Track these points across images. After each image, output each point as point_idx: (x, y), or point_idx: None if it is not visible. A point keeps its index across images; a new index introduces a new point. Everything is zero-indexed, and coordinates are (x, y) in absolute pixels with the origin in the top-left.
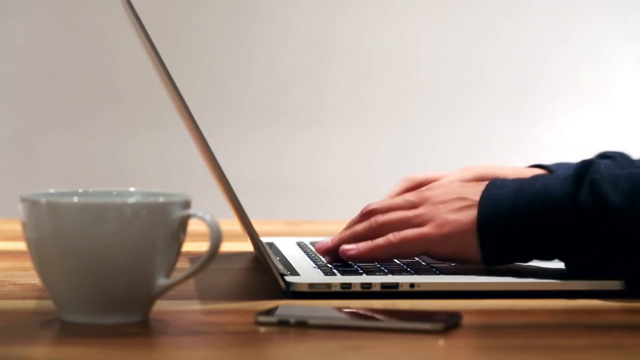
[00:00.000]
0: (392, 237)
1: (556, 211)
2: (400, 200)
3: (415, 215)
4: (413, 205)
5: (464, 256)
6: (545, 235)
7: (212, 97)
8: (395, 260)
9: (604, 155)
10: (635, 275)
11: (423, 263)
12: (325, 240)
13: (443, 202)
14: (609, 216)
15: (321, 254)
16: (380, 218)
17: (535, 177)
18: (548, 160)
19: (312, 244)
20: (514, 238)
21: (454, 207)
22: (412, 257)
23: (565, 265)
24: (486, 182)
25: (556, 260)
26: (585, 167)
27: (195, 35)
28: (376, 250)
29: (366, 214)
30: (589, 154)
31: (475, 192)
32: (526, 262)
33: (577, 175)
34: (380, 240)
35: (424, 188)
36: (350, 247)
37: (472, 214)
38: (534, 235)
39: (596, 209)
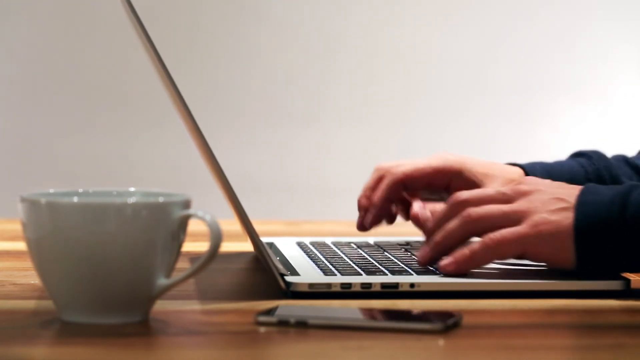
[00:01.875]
0: (488, 240)
1: None
2: (492, 192)
3: (513, 211)
4: (508, 199)
5: (558, 259)
6: (636, 244)
7: (213, 97)
8: (395, 260)
9: (578, 154)
10: None
11: None
12: (423, 248)
13: (542, 201)
14: None
15: (423, 264)
16: (474, 212)
17: (631, 186)
18: (548, 159)
19: (312, 244)
20: (608, 244)
21: (552, 208)
22: (509, 258)
23: None
24: (580, 187)
25: None
26: None
27: (195, 35)
28: (474, 259)
29: (456, 205)
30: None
31: (572, 195)
32: (617, 271)
33: None
34: (476, 247)
35: (516, 182)
36: (448, 262)
37: (569, 216)
38: (626, 243)
39: None
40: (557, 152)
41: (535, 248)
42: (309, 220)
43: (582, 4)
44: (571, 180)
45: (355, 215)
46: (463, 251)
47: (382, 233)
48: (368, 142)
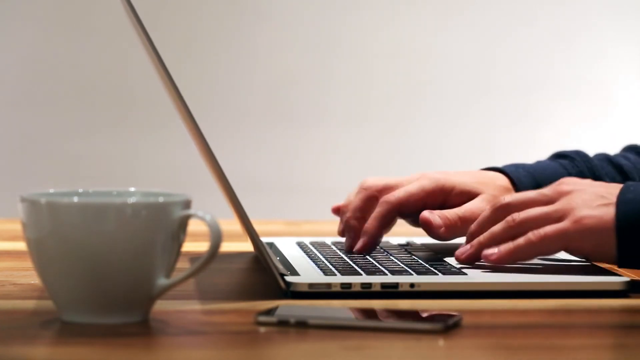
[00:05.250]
0: (532, 236)
1: None
2: (535, 194)
3: (555, 210)
4: (549, 200)
5: (600, 253)
6: None
7: (213, 97)
8: (395, 260)
9: (560, 155)
10: None
11: (423, 263)
12: (463, 246)
13: (582, 198)
14: None
15: (463, 262)
16: (518, 216)
17: None
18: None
19: (312, 244)
20: None
21: (594, 204)
22: (552, 254)
23: None
24: (620, 185)
25: None
26: None
27: (195, 35)
28: (517, 253)
29: (499, 209)
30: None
31: (612, 193)
32: None
33: None
34: (520, 241)
35: (557, 183)
36: (491, 252)
37: (611, 211)
38: None
39: None
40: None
41: (577, 243)
42: (309, 220)
43: (583, 4)
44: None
45: None
46: (507, 245)
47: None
48: (368, 142)
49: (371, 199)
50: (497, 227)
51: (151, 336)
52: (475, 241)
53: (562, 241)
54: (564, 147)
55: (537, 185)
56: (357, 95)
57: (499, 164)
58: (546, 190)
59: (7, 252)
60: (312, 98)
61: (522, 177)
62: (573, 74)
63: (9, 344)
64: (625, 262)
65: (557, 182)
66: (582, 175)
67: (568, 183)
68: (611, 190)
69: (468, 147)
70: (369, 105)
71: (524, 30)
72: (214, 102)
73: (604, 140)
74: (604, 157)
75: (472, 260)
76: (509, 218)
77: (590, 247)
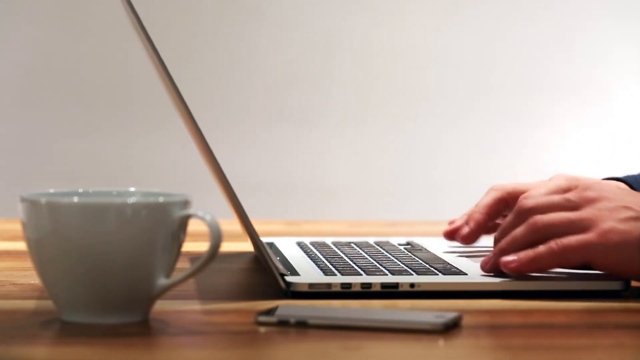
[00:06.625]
0: (554, 245)
1: None
2: (559, 198)
3: (579, 219)
4: (574, 206)
5: (624, 269)
6: None
7: (213, 97)
8: (395, 260)
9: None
10: None
11: (423, 263)
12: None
13: (608, 208)
14: None
15: (488, 271)
16: (540, 220)
17: None
18: (549, 161)
19: (312, 244)
20: None
21: (621, 217)
22: (573, 265)
23: None
24: None
25: None
26: None
27: (195, 35)
28: (538, 261)
29: (522, 214)
30: (591, 155)
31: (639, 204)
32: None
33: None
34: (541, 249)
35: (581, 187)
36: (510, 260)
37: (638, 226)
38: None
39: None
40: (559, 153)
41: (602, 257)
42: (309, 220)
43: (583, 4)
44: None
45: (354, 215)
46: (527, 252)
47: (382, 233)
48: (368, 142)
49: (501, 200)
50: (518, 231)
51: (151, 336)
52: (497, 248)
53: (585, 253)
54: (564, 147)
55: None
56: (357, 95)
57: (499, 163)
58: (571, 196)
59: (7, 252)
60: (312, 98)
61: None
62: (573, 74)
63: (9, 344)
64: None
65: (582, 187)
66: None
67: (594, 189)
68: (638, 200)
69: (468, 147)
70: (369, 105)
71: (524, 30)
72: (214, 102)
73: (604, 141)
74: None
75: (496, 269)
76: (531, 221)
77: (615, 262)
